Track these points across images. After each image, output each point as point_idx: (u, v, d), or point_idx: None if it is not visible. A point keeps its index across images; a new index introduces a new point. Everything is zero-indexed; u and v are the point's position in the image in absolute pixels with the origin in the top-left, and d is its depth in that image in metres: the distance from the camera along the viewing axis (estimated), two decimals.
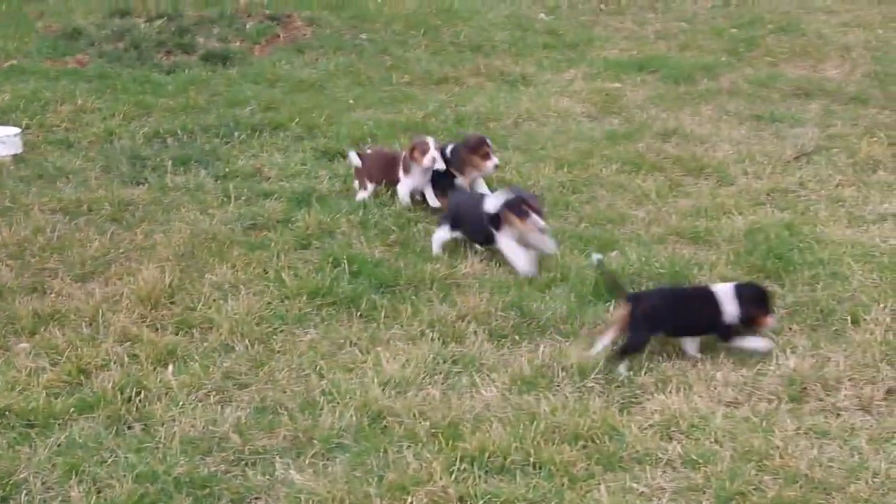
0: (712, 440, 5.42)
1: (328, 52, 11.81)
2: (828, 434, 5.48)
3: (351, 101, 10.29)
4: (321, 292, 6.76)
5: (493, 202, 7.08)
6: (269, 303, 6.67)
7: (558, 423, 5.51)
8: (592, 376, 5.94)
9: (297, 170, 8.67)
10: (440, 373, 6.00)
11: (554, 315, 6.55)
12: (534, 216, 6.93)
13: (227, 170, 8.65)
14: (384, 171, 8.06)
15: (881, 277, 6.86)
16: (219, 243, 7.37)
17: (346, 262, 7.08)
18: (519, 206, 6.96)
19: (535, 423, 5.50)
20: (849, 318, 6.45)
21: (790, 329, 6.39)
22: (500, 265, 7.15)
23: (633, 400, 5.80)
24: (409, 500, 4.98)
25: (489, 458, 5.25)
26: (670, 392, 5.82)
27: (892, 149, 8.86)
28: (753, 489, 5.05)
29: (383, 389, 5.79)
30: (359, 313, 6.61)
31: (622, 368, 5.99)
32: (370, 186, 8.05)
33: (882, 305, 6.53)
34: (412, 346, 6.25)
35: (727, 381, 5.92)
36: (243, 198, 8.13)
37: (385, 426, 5.54)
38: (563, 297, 6.73)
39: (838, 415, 5.66)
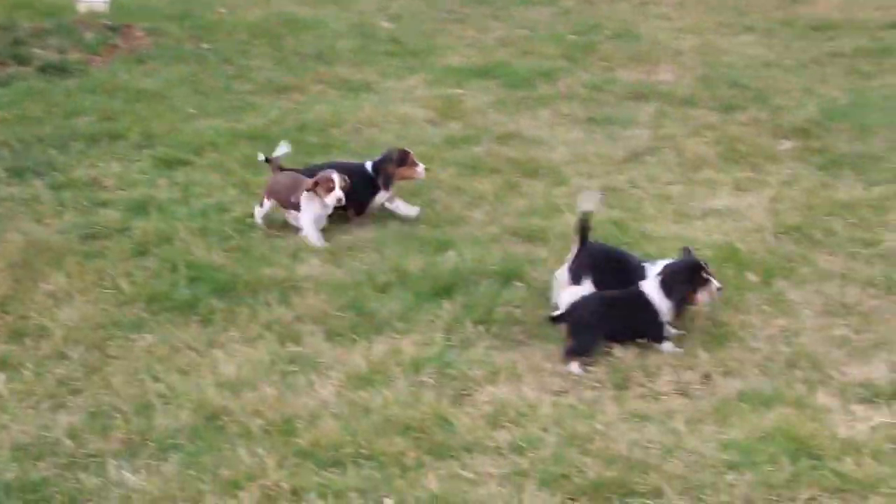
0: (539, 427, 5.63)
1: (169, 62, 11.77)
2: (648, 417, 5.74)
3: (192, 110, 10.28)
4: (158, 298, 6.80)
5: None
6: (105, 310, 6.68)
7: (391, 416, 5.66)
8: (426, 371, 6.11)
9: (135, 179, 8.66)
10: (277, 372, 6.10)
11: (391, 314, 6.70)
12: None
13: (63, 180, 8.59)
14: (284, 193, 7.84)
15: None
16: (54, 252, 7.33)
17: (184, 267, 7.13)
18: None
19: (368, 417, 5.65)
20: None
21: None
22: (340, 266, 7.28)
23: (465, 392, 5.98)
24: (242, 495, 5.08)
25: (322, 451, 5.38)
26: (500, 383, 6.02)
27: (717, 148, 9.23)
28: (576, 471, 5.27)
29: (219, 390, 5.87)
30: (196, 318, 6.66)
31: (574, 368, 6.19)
32: (267, 204, 7.86)
33: None
34: (249, 347, 6.33)
35: (555, 372, 6.15)
36: (80, 207, 8.09)
37: (220, 425, 5.62)
38: (401, 296, 6.88)
39: (658, 399, 5.92)
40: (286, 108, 10.39)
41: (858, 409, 5.78)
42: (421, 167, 8.14)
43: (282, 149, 8.11)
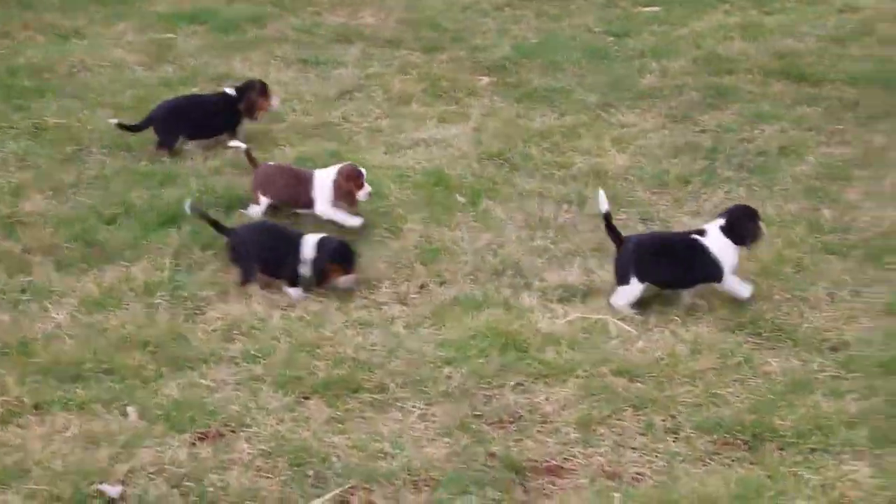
0: (271, 337, 6.04)
1: None
2: (371, 324, 6.24)
3: None
4: None
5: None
6: None
7: (128, 334, 5.97)
8: (159, 294, 6.41)
9: None
10: (9, 301, 6.29)
11: (120, 244, 6.95)
12: None
13: None
14: (287, 190, 7.41)
15: (414, 194, 7.71)
16: None
17: None
18: None
19: (105, 336, 5.92)
20: (388, 229, 7.28)
21: None
22: (65, 202, 7.44)
23: (198, 311, 6.33)
24: None
25: (63, 368, 5.63)
26: (232, 302, 6.40)
27: (421, 84, 9.77)
28: (307, 373, 5.73)
29: None
30: None
31: None
32: (264, 201, 7.39)
33: (416, 216, 7.39)
34: None
35: (281, 291, 6.56)
36: None
37: None
38: (129, 227, 7.13)
39: (380, 308, 6.43)
40: None
41: (557, 307, 6.44)
42: (276, 100, 8.54)
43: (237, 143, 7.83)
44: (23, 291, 6.40)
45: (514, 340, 6.04)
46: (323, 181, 7.28)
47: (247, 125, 8.52)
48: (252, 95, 8.43)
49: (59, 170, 7.93)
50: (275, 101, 8.59)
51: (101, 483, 4.93)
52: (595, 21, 11.70)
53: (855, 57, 10.46)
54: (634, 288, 6.40)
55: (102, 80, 9.73)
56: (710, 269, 6.41)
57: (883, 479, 5.00)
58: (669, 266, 6.45)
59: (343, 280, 6.56)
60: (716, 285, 6.45)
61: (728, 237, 6.42)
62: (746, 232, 6.48)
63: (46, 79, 9.70)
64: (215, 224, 6.81)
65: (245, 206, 7.37)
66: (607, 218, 6.52)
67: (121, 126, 8.24)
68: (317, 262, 6.52)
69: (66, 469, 4.97)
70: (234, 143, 7.86)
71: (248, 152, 7.61)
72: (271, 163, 7.75)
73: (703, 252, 6.41)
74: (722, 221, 6.50)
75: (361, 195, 7.25)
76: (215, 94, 8.65)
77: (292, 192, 7.36)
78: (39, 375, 5.58)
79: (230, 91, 8.49)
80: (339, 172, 7.27)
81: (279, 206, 7.39)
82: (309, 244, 6.56)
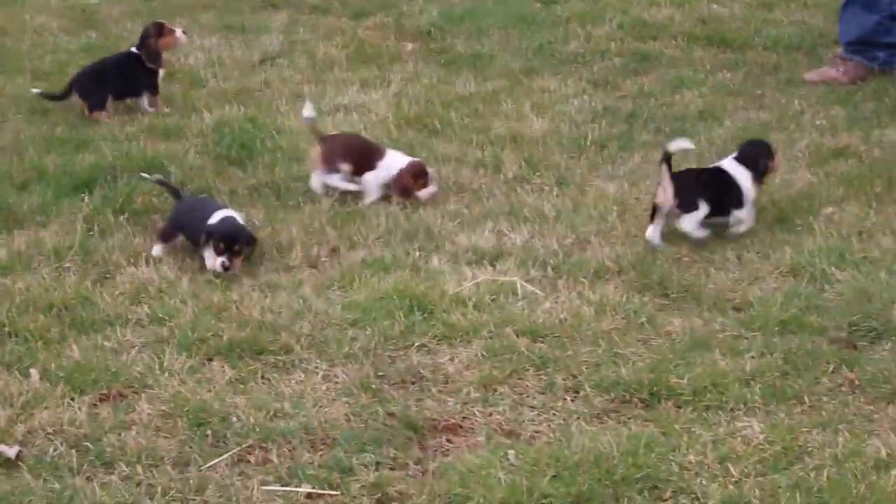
0: (178, 301, 6.07)
1: None
2: (279, 287, 6.27)
3: None
4: None
5: None
6: None
7: (34, 297, 5.97)
8: (69, 258, 6.42)
9: None
10: None
11: (31, 208, 6.94)
12: None
13: None
14: (359, 158, 7.36)
15: None
16: None
17: None
18: None
19: (10, 299, 5.92)
20: (303, 194, 7.31)
21: (252, 207, 7.15)
22: None
23: (107, 275, 6.34)
24: None
25: None
26: (141, 266, 6.41)
27: (345, 51, 9.80)
28: (212, 335, 5.75)
29: None
30: None
31: None
32: (344, 168, 7.33)
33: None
34: None
35: (188, 254, 6.58)
36: None
37: None
38: (40, 191, 7.12)
39: (289, 271, 6.47)
40: None
41: (466, 270, 6.49)
42: (179, 31, 8.41)
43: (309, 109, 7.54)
44: None
45: (421, 302, 6.08)
46: (391, 163, 7.29)
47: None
48: (150, 42, 8.33)
49: None
50: (179, 34, 8.50)
51: None
52: None
53: (779, 22, 10.57)
54: (701, 212, 6.76)
55: (24, 46, 9.68)
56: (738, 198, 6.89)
57: (772, 434, 5.09)
58: (717, 195, 6.85)
59: None
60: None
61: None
62: (760, 165, 6.95)
63: None
64: (171, 189, 6.94)
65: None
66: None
67: (44, 95, 8.20)
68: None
69: None
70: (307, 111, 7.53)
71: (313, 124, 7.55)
72: (338, 132, 7.76)
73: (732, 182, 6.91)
74: (736, 155, 7.00)
75: (423, 194, 7.25)
76: (124, 53, 8.59)
77: (364, 162, 7.33)
78: None
79: (134, 50, 8.43)
80: (409, 167, 7.27)
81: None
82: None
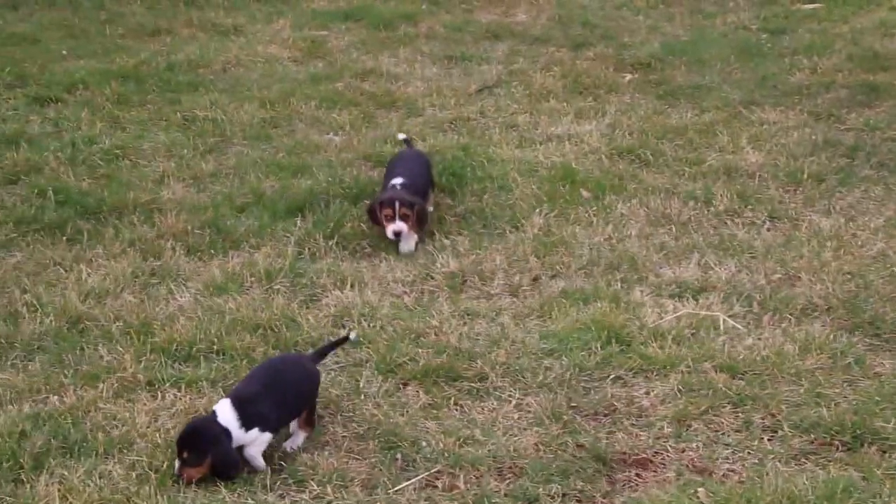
0: (378, 325, 6.18)
1: (43, 7, 12.08)
2: (478, 314, 6.31)
3: (64, 52, 10.62)
4: (26, 220, 7.23)
5: None
6: None
7: (242, 317, 6.17)
8: (279, 280, 6.63)
9: (7, 115, 9.01)
10: (138, 284, 6.58)
11: (247, 231, 7.20)
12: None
13: None
14: None
15: (539, 188, 7.75)
16: None
17: (52, 193, 7.54)
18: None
19: (221, 318, 6.15)
20: (509, 222, 7.34)
21: (458, 234, 7.22)
22: (202, 191, 7.75)
23: (314, 297, 6.51)
24: (101, 386, 5.57)
25: (177, 348, 5.88)
26: (347, 289, 6.56)
27: (563, 81, 9.81)
28: (409, 360, 5.83)
29: (83, 299, 6.33)
30: (64, 238, 7.09)
31: None
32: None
33: (538, 210, 7.43)
34: (113, 262, 6.79)
35: (396, 279, 6.70)
36: None
37: (83, 329, 6.09)
38: (257, 215, 7.38)
39: (490, 299, 6.51)
40: (156, 50, 10.75)
41: (668, 302, 6.40)
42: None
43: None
44: (152, 275, 6.69)
45: (619, 334, 6.03)
46: None
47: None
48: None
49: (200, 160, 8.25)
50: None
51: None
52: (751, 18, 11.57)
53: None
54: None
55: (254, 75, 10.07)
56: None
57: None
58: None
59: None
60: None
61: None
62: None
63: (201, 74, 10.10)
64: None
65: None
66: None
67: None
68: None
69: (167, 442, 5.19)
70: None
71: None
72: None
73: None
74: None
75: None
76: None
77: None
78: (155, 354, 5.84)
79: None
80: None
81: None
82: None
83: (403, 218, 6.94)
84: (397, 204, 6.93)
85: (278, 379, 5.26)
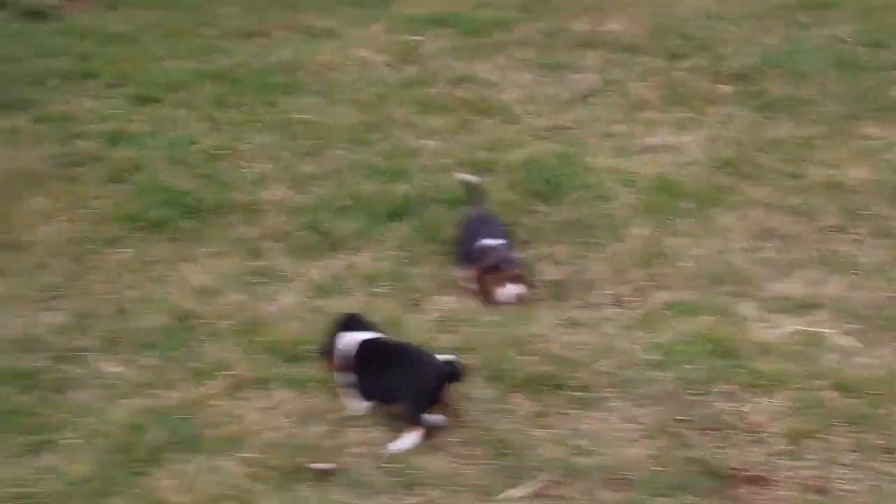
0: (481, 332, 6.17)
1: (141, 8, 12.21)
2: (582, 324, 6.28)
3: (162, 53, 10.73)
4: (131, 218, 7.32)
5: None
6: (83, 227, 7.20)
7: None
8: (381, 283, 6.64)
9: (108, 114, 9.11)
10: (243, 283, 6.63)
11: (347, 233, 7.23)
12: None
13: (41, 114, 9.05)
14: None
15: (637, 198, 7.70)
16: (34, 177, 7.83)
17: (155, 191, 7.62)
18: None
19: (327, 319, 6.17)
20: (608, 232, 7.30)
21: (557, 242, 7.20)
22: (301, 192, 7.79)
23: (415, 301, 6.52)
24: (210, 383, 5.62)
25: (284, 348, 5.92)
26: (449, 294, 6.56)
27: (659, 91, 9.74)
28: (514, 368, 5.82)
29: (189, 296, 6.40)
30: (167, 236, 7.18)
31: None
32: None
33: (638, 221, 7.39)
34: (217, 261, 6.85)
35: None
36: (57, 138, 8.57)
37: (190, 326, 6.16)
38: (356, 217, 7.40)
39: (593, 309, 6.47)
40: (251, 52, 10.83)
41: (775, 317, 6.33)
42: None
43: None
44: (256, 274, 6.73)
45: (725, 348, 5.97)
46: None
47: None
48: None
49: (299, 162, 8.29)
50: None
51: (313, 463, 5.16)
52: (849, 31, 11.39)
53: None
54: None
55: (348, 78, 10.10)
56: None
57: None
58: None
59: None
60: None
61: None
62: None
63: (296, 76, 10.14)
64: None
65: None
66: None
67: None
68: None
69: (280, 441, 5.22)
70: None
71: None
72: None
73: None
74: None
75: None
76: None
77: None
78: (262, 353, 5.88)
79: None
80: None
81: None
82: None
83: (518, 279, 6.65)
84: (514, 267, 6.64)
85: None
